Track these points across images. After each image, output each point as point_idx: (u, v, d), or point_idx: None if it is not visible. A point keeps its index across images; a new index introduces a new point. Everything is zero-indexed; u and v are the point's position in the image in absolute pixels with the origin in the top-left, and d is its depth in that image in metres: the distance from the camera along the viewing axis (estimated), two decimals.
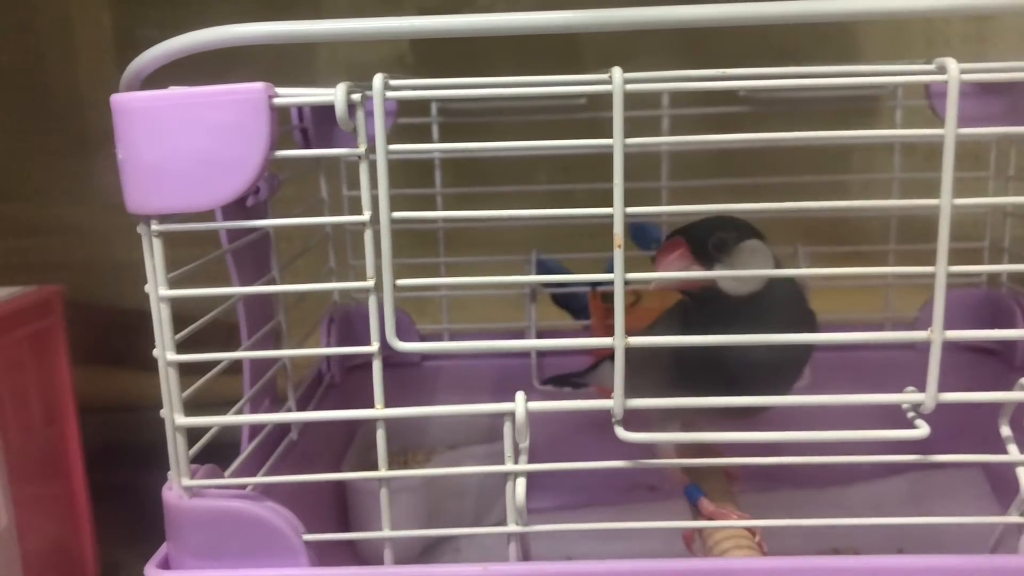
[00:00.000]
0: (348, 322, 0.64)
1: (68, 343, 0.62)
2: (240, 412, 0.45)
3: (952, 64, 0.33)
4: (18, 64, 0.82)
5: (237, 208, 0.44)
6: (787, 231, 0.59)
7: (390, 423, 0.36)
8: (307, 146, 0.53)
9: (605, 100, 0.33)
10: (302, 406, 0.54)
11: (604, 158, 0.33)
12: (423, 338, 0.67)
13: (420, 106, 0.64)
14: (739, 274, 0.41)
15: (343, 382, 0.62)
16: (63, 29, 0.82)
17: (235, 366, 0.45)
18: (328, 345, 0.62)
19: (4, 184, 0.83)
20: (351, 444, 0.60)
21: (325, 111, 0.50)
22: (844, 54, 0.75)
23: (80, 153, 0.82)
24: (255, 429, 0.47)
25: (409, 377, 0.66)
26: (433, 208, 0.66)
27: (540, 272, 0.66)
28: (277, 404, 0.52)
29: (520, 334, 0.65)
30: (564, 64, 0.75)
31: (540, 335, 0.65)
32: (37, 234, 0.84)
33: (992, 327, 0.60)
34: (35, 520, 0.58)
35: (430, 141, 0.64)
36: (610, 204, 0.33)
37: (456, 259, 0.66)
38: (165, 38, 0.34)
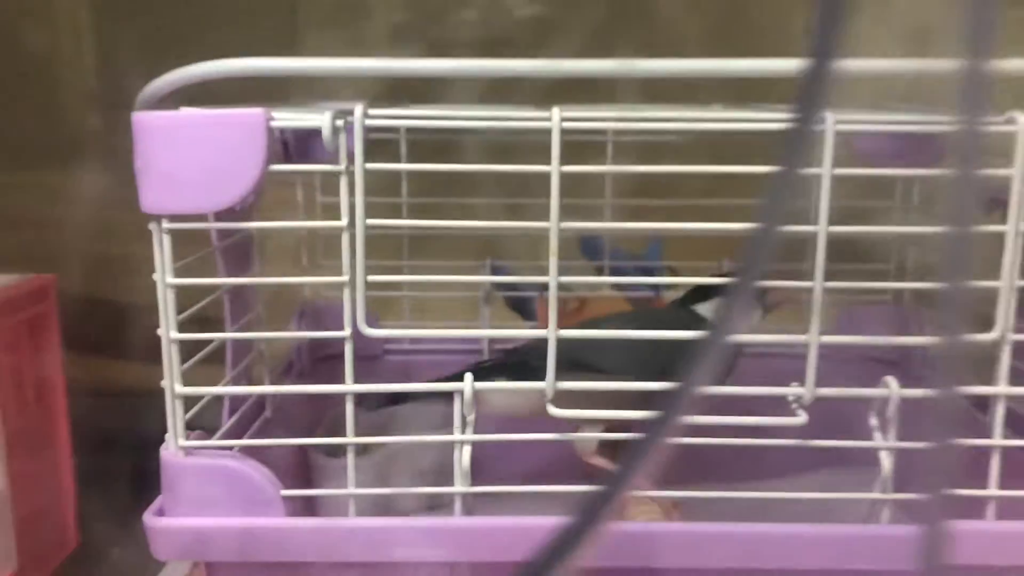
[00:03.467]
0: (317, 315, 0.70)
1: (60, 328, 0.67)
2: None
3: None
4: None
5: (228, 211, 0.50)
6: (719, 247, 0.66)
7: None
8: (287, 156, 0.59)
9: None
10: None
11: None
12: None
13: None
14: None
15: (312, 371, 0.69)
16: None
17: (216, 356, 0.51)
18: (301, 330, 0.68)
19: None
20: (319, 427, 0.66)
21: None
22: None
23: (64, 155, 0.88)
24: (234, 407, 0.53)
25: (372, 369, 0.72)
26: (399, 215, 0.72)
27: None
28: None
29: None
30: None
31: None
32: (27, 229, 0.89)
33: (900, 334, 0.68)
34: (26, 490, 0.63)
35: (398, 154, 0.70)
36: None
37: (419, 262, 0.72)
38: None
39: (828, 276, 0.71)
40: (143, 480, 0.48)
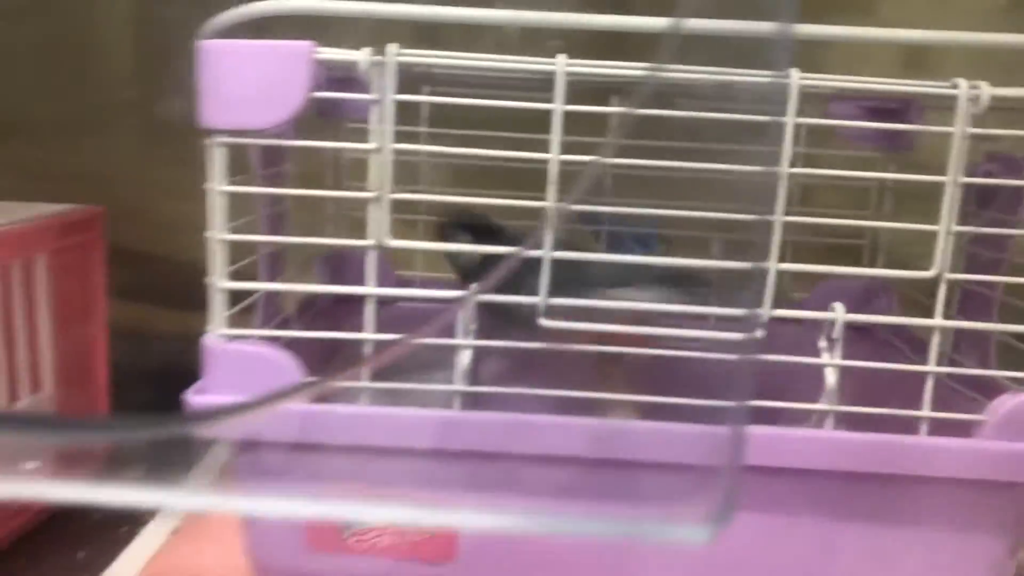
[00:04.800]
0: (340, 259, 0.76)
1: (105, 256, 0.74)
2: (257, 304, 0.57)
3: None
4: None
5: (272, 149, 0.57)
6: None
7: None
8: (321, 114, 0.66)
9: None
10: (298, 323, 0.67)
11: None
12: (399, 284, 0.80)
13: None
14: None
15: (331, 312, 0.75)
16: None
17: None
18: (322, 275, 0.74)
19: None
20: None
21: (337, 84, 0.63)
22: None
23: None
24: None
25: (386, 315, 0.78)
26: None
27: None
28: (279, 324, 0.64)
29: None
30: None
31: None
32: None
33: (867, 309, 0.74)
34: (69, 399, 0.70)
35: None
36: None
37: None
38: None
39: (797, 248, 0.78)
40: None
